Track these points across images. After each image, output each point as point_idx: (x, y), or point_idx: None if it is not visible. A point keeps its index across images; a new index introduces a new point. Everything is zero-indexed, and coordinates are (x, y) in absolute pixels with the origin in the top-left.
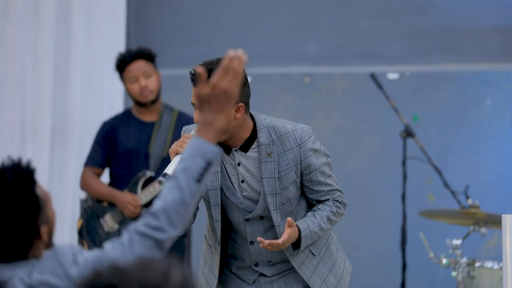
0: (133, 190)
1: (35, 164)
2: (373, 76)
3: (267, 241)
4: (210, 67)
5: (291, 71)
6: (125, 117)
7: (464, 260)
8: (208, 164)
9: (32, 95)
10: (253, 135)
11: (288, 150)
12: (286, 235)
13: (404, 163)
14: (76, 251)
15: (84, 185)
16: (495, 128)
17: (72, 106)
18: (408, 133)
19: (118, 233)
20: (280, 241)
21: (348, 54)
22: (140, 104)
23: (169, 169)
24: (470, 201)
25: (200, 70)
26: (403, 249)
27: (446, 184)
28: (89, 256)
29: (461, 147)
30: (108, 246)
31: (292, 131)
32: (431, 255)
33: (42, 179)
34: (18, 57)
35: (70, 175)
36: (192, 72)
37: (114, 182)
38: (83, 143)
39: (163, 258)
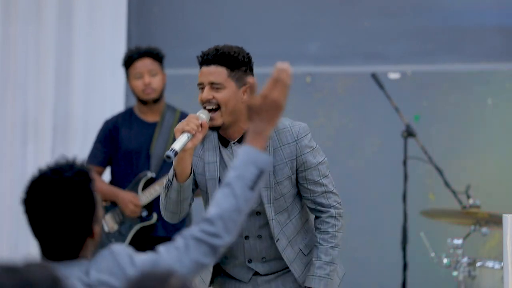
0: (134, 191)
1: (36, 163)
2: (374, 76)
3: None
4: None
5: (293, 71)
6: (127, 116)
7: (465, 259)
8: (261, 172)
9: (33, 94)
10: None
11: (284, 145)
12: None
13: (405, 162)
14: (131, 252)
15: None
16: (496, 128)
17: (74, 105)
18: (409, 133)
19: (118, 233)
20: None
21: (349, 54)
22: (142, 102)
23: (176, 145)
24: (471, 201)
25: (252, 80)
26: (404, 249)
27: (447, 184)
28: (145, 258)
29: (462, 146)
30: (162, 250)
31: (290, 126)
32: (432, 254)
33: None
34: (20, 56)
35: None
36: (201, 54)
37: (115, 181)
38: (84, 142)
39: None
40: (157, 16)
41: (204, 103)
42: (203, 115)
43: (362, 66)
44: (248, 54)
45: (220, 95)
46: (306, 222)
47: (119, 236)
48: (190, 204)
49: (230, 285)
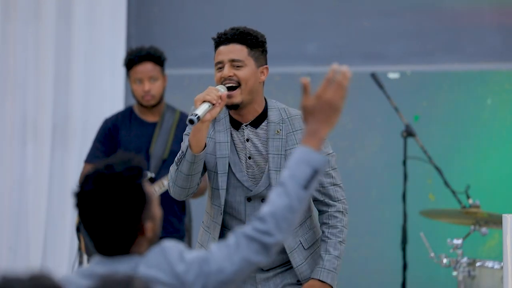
0: None
1: (35, 163)
2: (373, 76)
3: None
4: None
5: (292, 71)
6: (127, 115)
7: (464, 259)
8: (315, 172)
9: (33, 94)
10: (264, 114)
11: (297, 130)
12: None
13: (404, 162)
14: (182, 249)
15: None
16: (496, 128)
17: (73, 105)
18: (408, 133)
19: None
20: None
21: (349, 54)
22: (142, 105)
23: (198, 111)
24: (470, 201)
25: (304, 81)
26: (403, 249)
27: (446, 184)
28: (195, 256)
29: (462, 146)
30: (214, 248)
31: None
32: (432, 254)
33: (43, 179)
34: (19, 57)
35: (71, 174)
36: (218, 34)
37: None
38: (84, 142)
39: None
40: (157, 15)
41: (225, 81)
42: (221, 89)
43: (361, 66)
44: (264, 35)
45: (241, 73)
46: (309, 218)
47: None
48: (198, 184)
49: None
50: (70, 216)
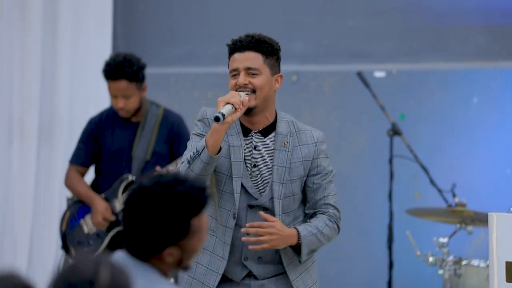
0: (114, 195)
1: (21, 162)
2: (360, 75)
3: (256, 223)
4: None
5: None
6: (110, 115)
7: (450, 258)
8: None
9: (19, 94)
10: (273, 125)
11: (303, 144)
12: (279, 223)
13: (391, 161)
14: None
15: (67, 183)
16: (481, 127)
17: (59, 105)
18: (395, 131)
19: (96, 235)
20: (271, 221)
21: (335, 53)
22: None
23: (222, 110)
24: (457, 199)
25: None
26: (390, 247)
27: (433, 182)
28: None
29: (448, 145)
30: None
31: (310, 130)
32: (418, 253)
33: (29, 177)
34: (5, 55)
35: (57, 173)
36: (233, 41)
37: (100, 181)
38: (69, 142)
39: (93, 258)
40: (143, 14)
41: (239, 88)
42: (242, 94)
43: (347, 64)
44: (278, 43)
45: (256, 81)
46: None
47: (97, 239)
48: None
49: None
50: (56, 215)
